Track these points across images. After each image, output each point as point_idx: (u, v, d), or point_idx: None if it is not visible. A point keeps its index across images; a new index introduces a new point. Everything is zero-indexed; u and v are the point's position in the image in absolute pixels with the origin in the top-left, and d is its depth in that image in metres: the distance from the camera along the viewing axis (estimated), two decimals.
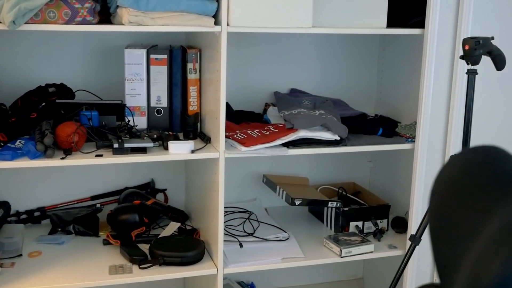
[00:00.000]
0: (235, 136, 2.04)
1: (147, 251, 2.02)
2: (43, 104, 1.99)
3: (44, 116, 1.96)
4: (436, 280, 2.18)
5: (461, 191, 0.72)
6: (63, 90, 2.09)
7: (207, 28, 1.85)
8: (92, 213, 2.24)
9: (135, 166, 2.36)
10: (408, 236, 2.04)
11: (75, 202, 2.33)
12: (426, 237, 1.85)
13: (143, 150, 1.89)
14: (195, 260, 2.01)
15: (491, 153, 0.74)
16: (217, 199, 1.96)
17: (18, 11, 1.63)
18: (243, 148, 1.96)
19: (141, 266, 1.95)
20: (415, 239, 1.86)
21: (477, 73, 1.75)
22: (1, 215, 2.10)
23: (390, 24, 2.08)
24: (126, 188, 2.36)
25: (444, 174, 0.77)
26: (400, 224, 2.33)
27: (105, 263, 1.99)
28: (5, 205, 2.19)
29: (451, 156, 0.80)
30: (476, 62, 1.72)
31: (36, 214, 2.28)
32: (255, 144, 1.98)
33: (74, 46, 2.22)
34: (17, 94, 2.07)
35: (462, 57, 1.76)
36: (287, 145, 2.02)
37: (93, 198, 2.34)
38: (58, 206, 2.31)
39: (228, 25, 1.85)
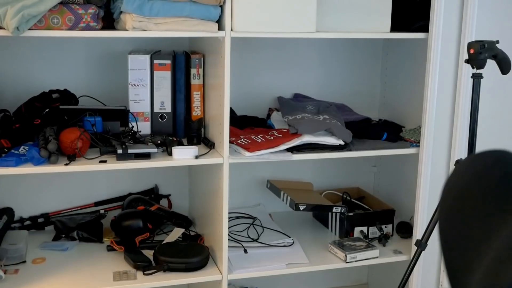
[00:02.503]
0: (239, 141, 2.03)
1: (151, 257, 2.02)
2: (47, 110, 1.99)
3: (47, 122, 1.96)
4: (443, 285, 2.16)
5: (472, 195, 0.71)
6: (67, 96, 2.09)
7: (210, 34, 1.85)
8: (96, 219, 2.23)
9: (138, 172, 2.35)
10: (413, 241, 2.03)
11: (79, 208, 2.32)
12: (432, 243, 1.84)
13: (147, 156, 1.89)
14: (199, 266, 2.00)
15: (501, 157, 0.73)
16: (221, 205, 1.95)
17: (22, 18, 1.63)
18: (247, 154, 1.95)
19: (145, 272, 1.95)
20: (421, 244, 1.85)
21: (482, 77, 1.74)
22: (5, 221, 2.10)
23: (394, 28, 2.08)
24: (130, 194, 2.35)
25: (454, 179, 0.77)
26: (405, 229, 2.32)
27: (109, 270, 1.98)
28: (8, 211, 2.18)
29: (460, 161, 0.80)
30: (481, 66, 1.71)
31: (40, 220, 2.27)
32: (259, 149, 1.97)
33: (77, 52, 2.22)
34: (21, 100, 2.07)
35: (467, 61, 1.75)
36: (291, 150, 2.02)
37: (97, 204, 2.34)
38: (62, 212, 2.30)
39: (231, 30, 1.84)
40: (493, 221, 0.65)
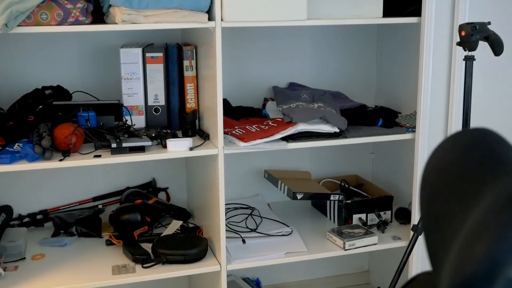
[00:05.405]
0: (233, 132, 2.03)
1: (150, 250, 2.02)
2: (40, 106, 1.99)
3: (41, 119, 1.96)
4: None
5: (450, 176, 0.70)
6: (60, 92, 2.09)
7: (201, 24, 1.84)
8: (94, 214, 2.24)
9: (136, 166, 2.35)
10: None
11: (77, 203, 2.33)
12: None
13: (141, 149, 1.89)
14: (198, 257, 2.01)
15: (480, 135, 0.72)
16: (218, 196, 1.95)
17: (10, 14, 1.63)
18: (242, 144, 1.95)
19: (144, 265, 1.95)
20: (418, 229, 1.84)
21: (474, 59, 1.73)
22: (4, 219, 2.11)
23: (387, 13, 2.06)
24: (128, 188, 2.36)
25: (432, 160, 0.76)
26: (404, 215, 2.31)
27: (108, 264, 1.99)
28: (7, 209, 2.19)
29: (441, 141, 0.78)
30: (473, 48, 1.69)
31: (39, 217, 2.28)
32: (254, 139, 1.96)
33: (69, 48, 2.21)
34: (14, 98, 2.07)
35: (459, 44, 1.74)
36: (286, 139, 2.01)
37: (95, 199, 2.34)
38: (60, 208, 2.31)
39: (222, 20, 1.83)
40: (470, 201, 0.64)
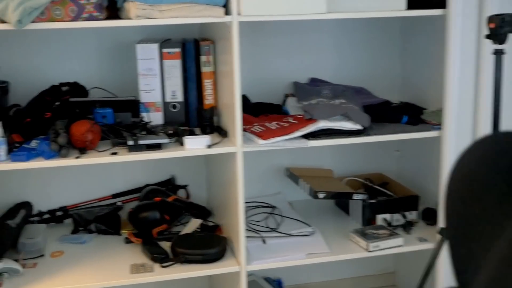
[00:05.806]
0: (252, 129, 1.98)
1: (168, 249, 1.99)
2: (57, 103, 1.98)
3: (58, 116, 1.95)
4: None
5: (478, 185, 0.63)
6: (77, 88, 2.08)
7: (217, 19, 1.79)
8: (113, 211, 2.23)
9: (155, 163, 2.33)
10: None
11: (97, 200, 2.32)
12: None
13: (158, 147, 1.86)
14: (217, 257, 1.97)
15: (509, 141, 0.65)
16: (237, 194, 1.91)
17: (24, 10, 1.61)
18: (261, 141, 1.90)
19: (162, 265, 1.92)
20: (445, 233, 1.76)
21: (504, 53, 1.64)
22: (23, 215, 2.11)
23: (411, 5, 1.97)
24: (147, 185, 2.34)
25: (460, 164, 0.69)
26: (432, 216, 2.23)
27: (126, 262, 1.97)
28: (27, 205, 2.20)
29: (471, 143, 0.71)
30: (502, 41, 1.61)
31: (58, 213, 2.28)
32: (273, 136, 1.91)
33: (86, 44, 2.20)
34: (31, 94, 2.07)
35: (487, 36, 1.65)
36: (307, 136, 1.95)
37: (114, 196, 2.33)
38: (79, 205, 2.30)
39: (239, 14, 1.79)
40: (499, 216, 0.57)
